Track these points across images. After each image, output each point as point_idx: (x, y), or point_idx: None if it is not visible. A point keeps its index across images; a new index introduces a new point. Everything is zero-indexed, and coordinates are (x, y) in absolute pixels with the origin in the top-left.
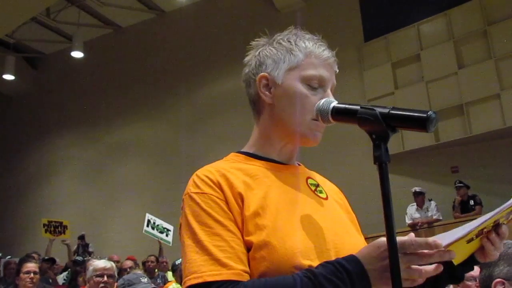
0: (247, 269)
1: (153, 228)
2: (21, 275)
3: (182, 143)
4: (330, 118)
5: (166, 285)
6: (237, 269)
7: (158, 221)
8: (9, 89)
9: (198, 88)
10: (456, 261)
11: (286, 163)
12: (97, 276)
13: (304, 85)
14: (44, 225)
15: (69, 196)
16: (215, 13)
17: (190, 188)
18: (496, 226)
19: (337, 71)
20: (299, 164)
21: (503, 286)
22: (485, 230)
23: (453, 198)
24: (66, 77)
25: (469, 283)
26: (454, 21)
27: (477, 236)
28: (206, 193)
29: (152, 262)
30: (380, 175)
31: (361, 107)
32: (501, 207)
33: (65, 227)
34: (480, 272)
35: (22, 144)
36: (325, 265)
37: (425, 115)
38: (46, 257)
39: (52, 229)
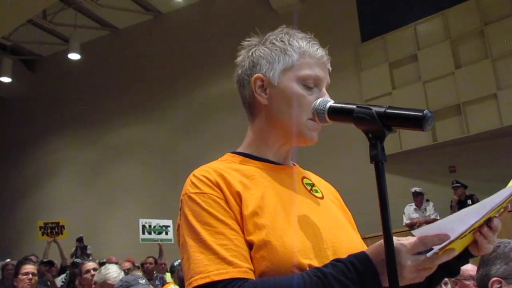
0: (252, 267)
1: (149, 233)
2: (20, 276)
3: (179, 144)
4: (327, 118)
5: (164, 286)
6: (244, 267)
7: (154, 222)
8: (6, 91)
9: (195, 90)
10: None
11: (282, 164)
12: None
13: (300, 85)
14: (40, 227)
15: (67, 198)
16: (212, 14)
17: (189, 188)
18: (488, 220)
19: (330, 69)
20: (294, 164)
21: (500, 285)
22: (476, 225)
23: (450, 197)
24: (63, 79)
25: (467, 282)
26: (451, 21)
27: (469, 231)
28: (205, 193)
29: (150, 263)
30: (377, 174)
31: (357, 106)
32: (493, 204)
33: (62, 227)
34: (477, 271)
35: (19, 146)
36: (335, 264)
37: (421, 114)
38: (44, 260)
39: (48, 231)
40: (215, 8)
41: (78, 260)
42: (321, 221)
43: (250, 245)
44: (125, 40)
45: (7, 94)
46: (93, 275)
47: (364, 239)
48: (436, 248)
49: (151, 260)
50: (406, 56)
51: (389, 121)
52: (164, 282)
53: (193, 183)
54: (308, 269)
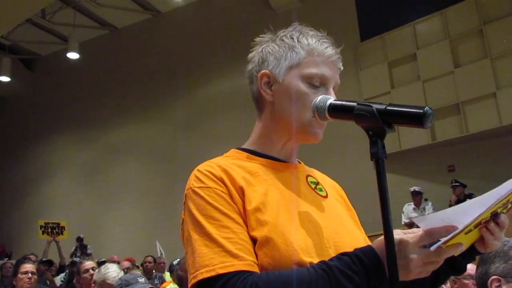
0: (256, 260)
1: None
2: (19, 275)
3: (179, 143)
4: (327, 115)
5: (163, 285)
6: (249, 260)
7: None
8: (5, 90)
9: (195, 88)
10: (456, 252)
11: (287, 161)
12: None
13: (305, 83)
14: (41, 227)
15: (66, 197)
16: (211, 13)
17: (193, 183)
18: (495, 216)
19: (342, 68)
20: (299, 162)
21: (499, 283)
22: (483, 220)
23: (449, 197)
24: (62, 79)
25: (466, 281)
26: (450, 20)
27: (475, 226)
28: (210, 187)
29: (150, 262)
30: (377, 172)
31: (357, 104)
32: (498, 197)
33: (63, 228)
34: (477, 270)
35: (18, 145)
36: (341, 257)
37: (421, 111)
38: (43, 259)
39: (49, 230)
40: (214, 8)
41: (77, 259)
42: (324, 220)
43: (252, 241)
44: (124, 40)
45: (6, 94)
46: (92, 275)
47: None
48: (441, 240)
49: (150, 259)
50: (405, 55)
51: (390, 118)
52: (163, 281)
53: (197, 177)
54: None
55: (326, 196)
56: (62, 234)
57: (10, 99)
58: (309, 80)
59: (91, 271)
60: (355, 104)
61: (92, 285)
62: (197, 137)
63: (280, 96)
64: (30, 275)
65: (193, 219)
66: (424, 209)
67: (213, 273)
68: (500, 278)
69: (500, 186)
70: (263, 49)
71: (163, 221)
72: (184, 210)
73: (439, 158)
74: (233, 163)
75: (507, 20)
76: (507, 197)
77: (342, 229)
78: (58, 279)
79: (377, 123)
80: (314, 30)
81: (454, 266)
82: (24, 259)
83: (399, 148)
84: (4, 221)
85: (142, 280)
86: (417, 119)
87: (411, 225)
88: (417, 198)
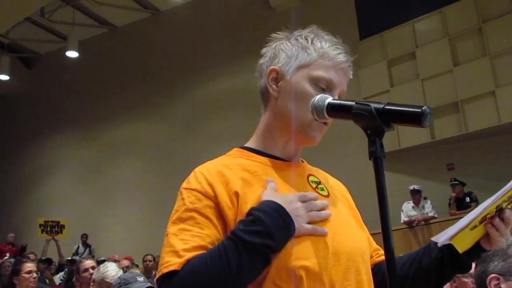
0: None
1: None
2: (23, 274)
3: (178, 142)
4: (325, 114)
5: None
6: (186, 258)
7: None
8: (4, 89)
9: (194, 88)
10: (461, 249)
11: (288, 160)
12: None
13: (312, 85)
14: (40, 225)
15: (65, 196)
16: (210, 12)
17: (184, 183)
18: (500, 211)
19: (351, 77)
20: (302, 161)
21: (498, 282)
22: (488, 216)
23: (448, 195)
24: (61, 77)
25: (465, 279)
26: (449, 18)
27: (480, 222)
28: (192, 189)
29: (150, 261)
30: (376, 171)
31: (356, 103)
32: (501, 190)
33: (62, 226)
34: (476, 268)
35: (17, 144)
36: (240, 220)
37: (419, 110)
38: (42, 258)
39: (48, 229)
40: (213, 6)
41: (77, 258)
42: (324, 220)
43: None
44: (123, 38)
45: (4, 92)
46: (91, 274)
47: None
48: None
49: (150, 257)
50: (404, 53)
51: (388, 118)
52: None
53: (189, 178)
54: (303, 270)
55: (327, 196)
56: (61, 233)
57: (9, 97)
58: (316, 82)
59: (91, 270)
60: (353, 103)
61: (91, 284)
62: (196, 136)
63: (285, 93)
64: (34, 274)
65: (171, 218)
66: (423, 207)
67: (159, 274)
68: (498, 276)
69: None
70: (277, 46)
71: (162, 219)
72: None
73: (438, 157)
74: (233, 162)
75: (506, 18)
76: (511, 191)
77: (343, 228)
78: (57, 278)
79: (375, 122)
80: (330, 35)
81: (460, 264)
82: (23, 258)
83: (399, 146)
84: (3, 220)
85: (141, 279)
86: (415, 118)
87: (410, 223)
88: (417, 196)
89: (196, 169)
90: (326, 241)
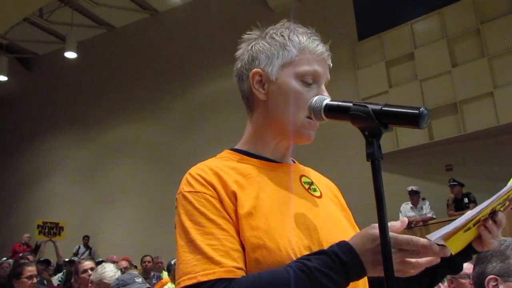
0: (240, 265)
1: None
2: (23, 279)
3: (176, 143)
4: (323, 116)
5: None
6: (229, 266)
7: None
8: (2, 90)
9: (192, 88)
10: (453, 251)
11: (280, 161)
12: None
13: (298, 82)
14: (38, 226)
15: (63, 196)
16: (208, 12)
17: (183, 187)
18: (493, 214)
19: (331, 65)
20: (294, 162)
21: (496, 283)
22: (481, 218)
23: (447, 196)
24: (60, 78)
25: (463, 281)
26: (448, 19)
27: (474, 224)
28: (199, 192)
29: (149, 262)
30: (373, 172)
31: (353, 104)
32: (498, 194)
33: (61, 228)
34: (474, 269)
35: (15, 145)
36: (319, 257)
37: (417, 111)
38: (41, 259)
39: (46, 230)
40: (212, 7)
41: (75, 259)
42: (318, 221)
43: (245, 246)
44: (121, 39)
45: (3, 93)
46: (90, 275)
47: None
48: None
49: (148, 258)
50: (402, 54)
51: (386, 119)
52: None
53: (188, 181)
54: None
55: (320, 196)
56: (59, 235)
57: (7, 98)
58: (302, 78)
59: (90, 271)
60: (351, 104)
61: (89, 284)
62: (195, 137)
63: (274, 94)
64: (34, 279)
65: (180, 225)
66: (421, 208)
67: (194, 281)
68: (497, 277)
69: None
70: (253, 47)
71: (161, 220)
72: (176, 214)
73: (436, 158)
74: (225, 165)
75: (504, 19)
76: (506, 194)
77: (336, 229)
78: (56, 279)
79: (372, 123)
80: (302, 27)
81: (451, 265)
82: (23, 261)
83: (397, 147)
84: (1, 221)
85: (139, 280)
86: (412, 120)
87: (408, 224)
88: (415, 197)
89: (191, 171)
90: (322, 241)
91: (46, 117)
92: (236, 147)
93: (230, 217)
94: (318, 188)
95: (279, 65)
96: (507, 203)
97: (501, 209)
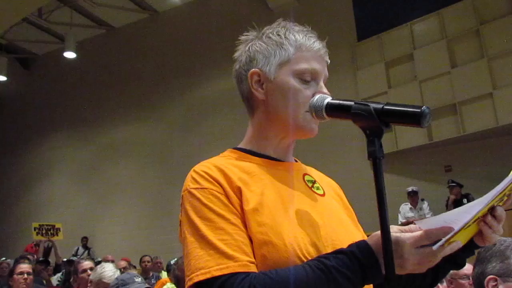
0: (253, 259)
1: None
2: (14, 276)
3: (175, 143)
4: (324, 114)
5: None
6: (243, 261)
7: None
8: (1, 90)
9: (191, 88)
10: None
11: (283, 160)
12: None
13: (297, 79)
14: (35, 228)
15: (62, 197)
16: (208, 12)
17: (189, 184)
18: (491, 209)
19: (329, 61)
20: (296, 161)
21: (495, 283)
22: (481, 216)
23: (446, 197)
24: (59, 78)
25: (463, 281)
26: (447, 20)
27: (474, 221)
28: (206, 188)
29: (148, 262)
30: (374, 171)
31: (355, 103)
32: (495, 191)
33: (58, 229)
34: (473, 269)
35: (14, 145)
36: (337, 256)
37: (419, 110)
38: (40, 259)
39: (43, 231)
40: (211, 7)
41: (74, 258)
42: (321, 219)
43: (251, 242)
44: (121, 39)
45: (2, 93)
46: (89, 275)
47: None
48: (441, 240)
49: (147, 258)
50: (402, 55)
51: (387, 118)
52: None
53: (193, 178)
54: None
55: (323, 195)
56: (57, 235)
57: (6, 98)
58: (301, 76)
59: (89, 271)
60: (352, 103)
61: (88, 284)
62: (193, 137)
63: (273, 94)
64: (25, 275)
65: (189, 221)
66: (420, 209)
67: (208, 276)
68: (496, 277)
69: (499, 184)
70: (250, 48)
71: (160, 220)
72: (181, 211)
73: (436, 158)
74: (229, 163)
75: (504, 20)
76: (503, 191)
77: (340, 227)
78: (55, 279)
79: (374, 122)
80: (298, 25)
81: (454, 260)
82: (21, 259)
83: (396, 148)
84: (0, 221)
85: (138, 279)
86: (414, 118)
87: (407, 224)
88: (414, 198)
89: (196, 169)
90: (326, 239)
91: (45, 118)
92: (239, 146)
93: (238, 212)
94: (321, 187)
95: (276, 64)
96: (505, 198)
97: (500, 204)
